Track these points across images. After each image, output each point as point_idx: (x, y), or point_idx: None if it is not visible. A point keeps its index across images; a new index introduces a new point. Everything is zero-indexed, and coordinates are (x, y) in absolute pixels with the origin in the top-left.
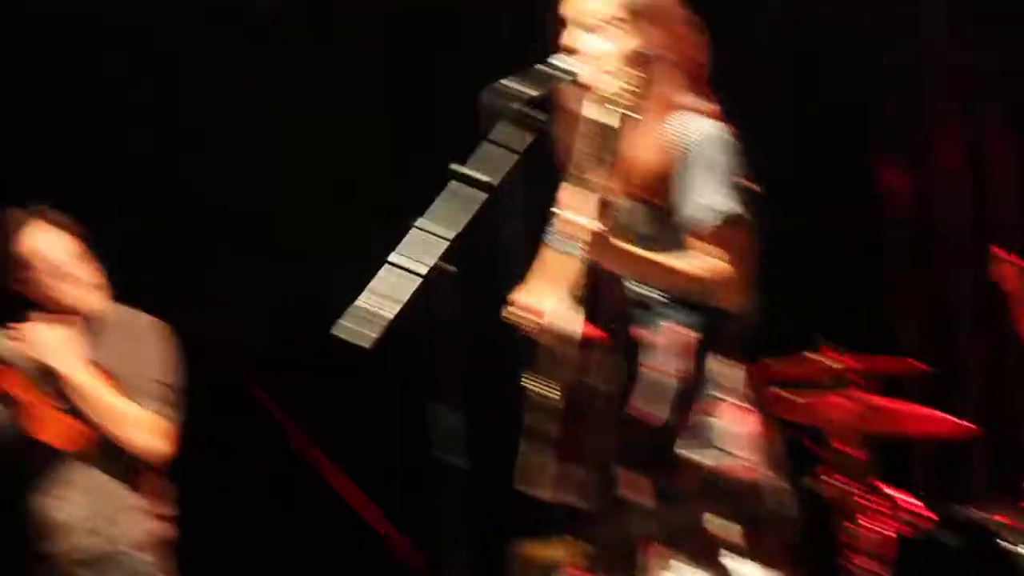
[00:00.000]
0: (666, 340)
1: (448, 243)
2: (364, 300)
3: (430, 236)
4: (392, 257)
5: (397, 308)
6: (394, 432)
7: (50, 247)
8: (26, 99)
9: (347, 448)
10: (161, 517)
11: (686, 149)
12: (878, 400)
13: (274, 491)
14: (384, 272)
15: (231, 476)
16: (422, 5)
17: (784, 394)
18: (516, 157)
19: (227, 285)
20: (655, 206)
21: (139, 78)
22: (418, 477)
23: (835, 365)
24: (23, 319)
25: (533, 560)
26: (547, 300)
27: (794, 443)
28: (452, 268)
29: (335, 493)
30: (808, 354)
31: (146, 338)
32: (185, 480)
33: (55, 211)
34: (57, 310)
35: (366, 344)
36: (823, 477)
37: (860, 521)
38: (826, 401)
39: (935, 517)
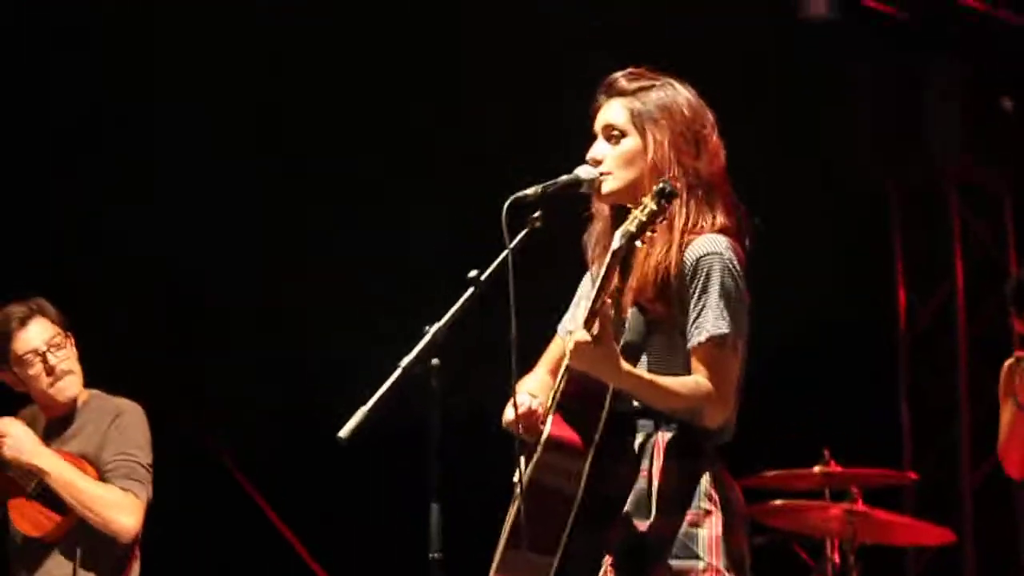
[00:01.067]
0: (653, 450)
1: (427, 336)
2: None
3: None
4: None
5: (373, 401)
6: (388, 530)
7: (32, 337)
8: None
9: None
10: None
11: (691, 267)
12: (875, 512)
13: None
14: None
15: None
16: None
17: (784, 505)
18: (506, 252)
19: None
20: (654, 320)
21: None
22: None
23: (836, 477)
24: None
25: None
26: (527, 389)
27: (790, 553)
28: (435, 362)
29: None
30: (814, 468)
31: (120, 420)
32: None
33: (45, 301)
34: (36, 398)
35: (343, 434)
36: None
37: None
38: (825, 512)
39: None
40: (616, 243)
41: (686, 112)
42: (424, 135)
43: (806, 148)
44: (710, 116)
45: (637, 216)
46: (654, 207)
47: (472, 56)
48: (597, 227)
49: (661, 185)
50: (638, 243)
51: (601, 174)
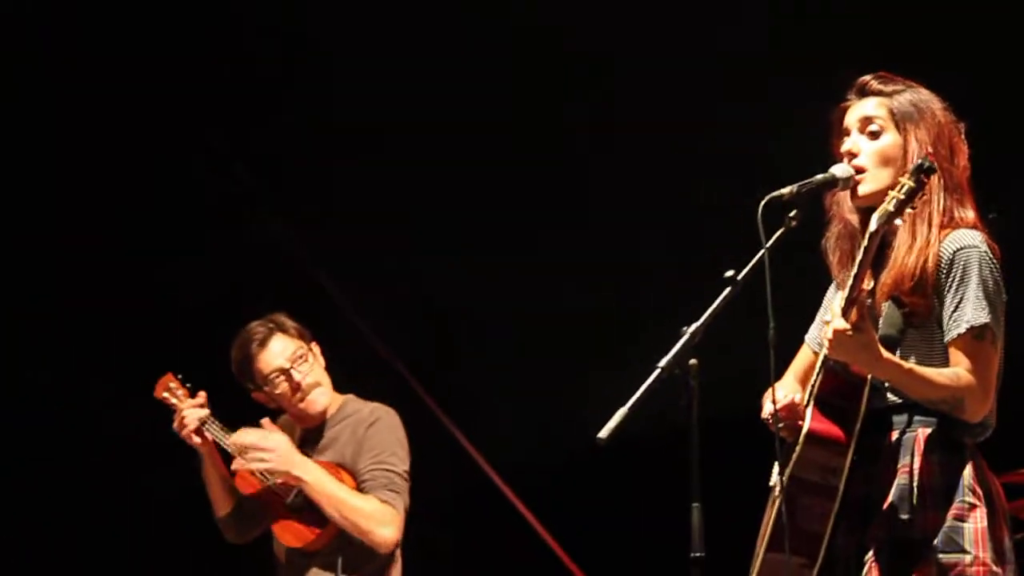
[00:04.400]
0: (917, 444)
1: (685, 337)
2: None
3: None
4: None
5: (632, 401)
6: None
7: (274, 356)
8: None
9: (597, 551)
10: None
11: (948, 260)
12: None
13: None
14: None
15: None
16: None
17: None
18: (762, 251)
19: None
20: (911, 312)
21: None
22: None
23: None
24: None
25: None
26: (780, 393)
27: None
28: (693, 362)
29: None
30: None
31: (374, 428)
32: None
33: (283, 316)
34: (288, 413)
35: (602, 435)
36: None
37: None
38: None
39: None
40: (874, 224)
41: (940, 116)
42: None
43: None
44: (960, 122)
45: (895, 196)
46: (912, 184)
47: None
48: (836, 230)
49: (919, 161)
50: (898, 222)
51: (857, 172)
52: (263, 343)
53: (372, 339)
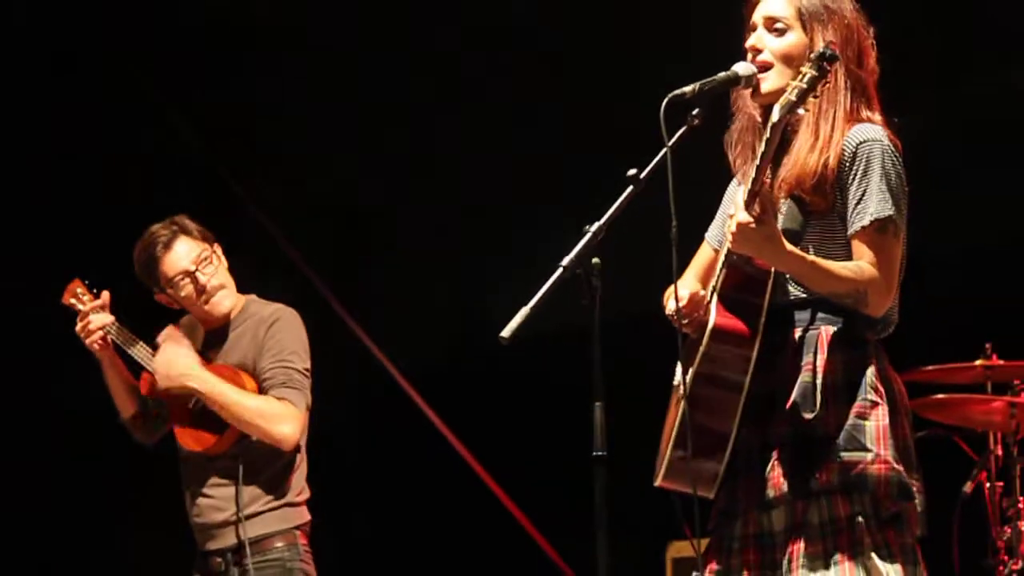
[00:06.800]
0: (821, 341)
1: (587, 236)
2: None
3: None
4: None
5: (534, 301)
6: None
7: (179, 259)
8: None
9: (500, 449)
10: (295, 504)
11: (851, 153)
12: None
13: (423, 490)
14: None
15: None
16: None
17: (946, 398)
18: (664, 150)
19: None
20: (814, 207)
21: None
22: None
23: (998, 370)
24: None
25: (680, 559)
26: (683, 291)
27: (952, 446)
28: (595, 261)
29: (493, 497)
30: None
31: (276, 327)
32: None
33: (186, 218)
34: (193, 315)
35: (505, 334)
36: (981, 480)
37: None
38: (988, 406)
39: None
40: (776, 115)
41: (850, 17)
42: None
43: None
44: (870, 26)
45: (796, 85)
46: (814, 72)
47: None
48: (738, 125)
49: (821, 49)
50: (801, 111)
51: (760, 70)
52: (167, 245)
53: (278, 238)
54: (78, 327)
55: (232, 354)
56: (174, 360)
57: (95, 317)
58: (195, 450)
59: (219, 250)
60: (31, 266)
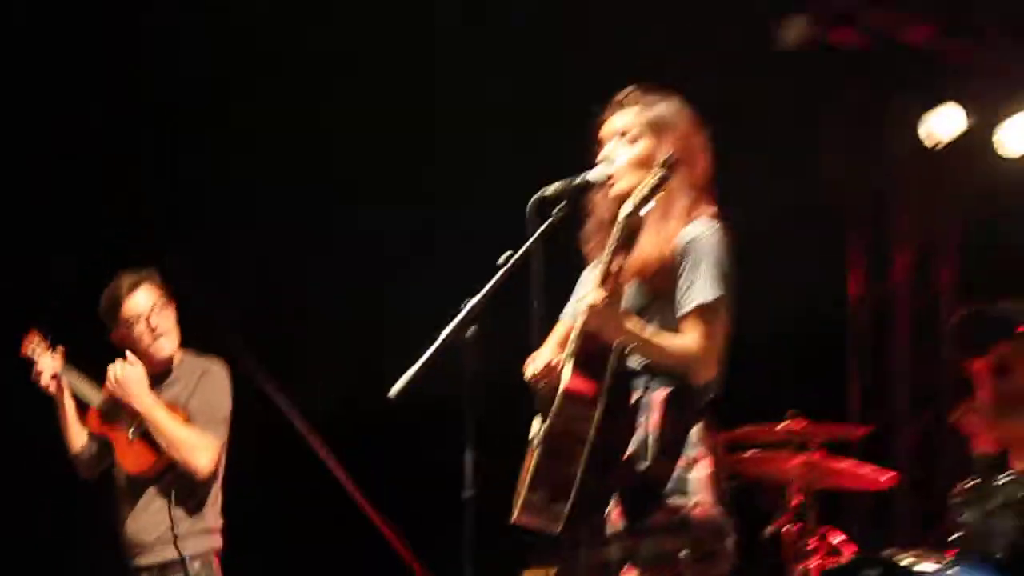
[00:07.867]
0: (654, 403)
1: (465, 310)
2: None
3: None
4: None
5: (418, 364)
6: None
7: (138, 303)
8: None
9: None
10: (212, 531)
11: (683, 248)
12: (830, 460)
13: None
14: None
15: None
16: None
17: (756, 455)
18: (530, 241)
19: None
20: (657, 289)
21: None
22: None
23: (799, 431)
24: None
25: None
26: (541, 357)
27: (759, 496)
28: (473, 331)
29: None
30: (783, 423)
31: (207, 376)
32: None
33: (150, 270)
34: (138, 356)
35: (392, 393)
36: (782, 525)
37: (810, 561)
38: (789, 461)
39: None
40: (628, 207)
41: (690, 124)
42: None
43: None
44: (705, 131)
45: (648, 182)
46: (662, 174)
47: None
48: (595, 221)
49: (668, 155)
50: (651, 204)
51: (610, 177)
52: (131, 289)
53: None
54: (32, 373)
55: (168, 394)
56: (137, 379)
57: (46, 364)
58: (134, 472)
59: (172, 307)
60: None
